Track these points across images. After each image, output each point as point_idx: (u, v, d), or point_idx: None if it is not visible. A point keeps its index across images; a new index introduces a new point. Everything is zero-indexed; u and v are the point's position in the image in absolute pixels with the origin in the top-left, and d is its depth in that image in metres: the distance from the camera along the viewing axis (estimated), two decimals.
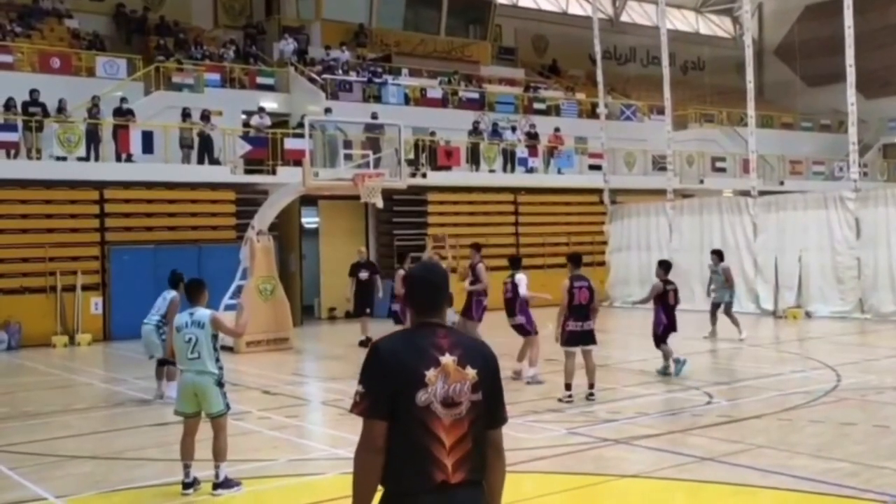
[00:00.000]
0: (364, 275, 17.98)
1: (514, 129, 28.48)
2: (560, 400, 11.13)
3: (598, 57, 27.22)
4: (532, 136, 28.29)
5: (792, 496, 7.14)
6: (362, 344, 16.83)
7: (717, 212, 23.84)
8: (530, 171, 27.49)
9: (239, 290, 17.61)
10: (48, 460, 9.06)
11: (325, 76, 26.70)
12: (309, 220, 25.22)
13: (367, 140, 21.91)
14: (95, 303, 20.22)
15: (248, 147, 22.43)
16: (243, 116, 24.31)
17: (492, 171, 26.67)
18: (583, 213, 27.73)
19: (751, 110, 23.19)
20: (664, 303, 13.22)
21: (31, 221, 19.93)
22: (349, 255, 20.39)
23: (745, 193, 23.79)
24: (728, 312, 17.38)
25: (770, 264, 21.91)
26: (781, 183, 31.90)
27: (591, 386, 11.34)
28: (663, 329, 13.19)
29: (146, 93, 23.77)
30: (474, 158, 26.51)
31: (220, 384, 7.61)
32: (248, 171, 22.60)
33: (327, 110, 23.87)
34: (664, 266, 13.58)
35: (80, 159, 20.25)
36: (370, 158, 18.01)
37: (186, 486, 7.53)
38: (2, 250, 19.49)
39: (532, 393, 11.83)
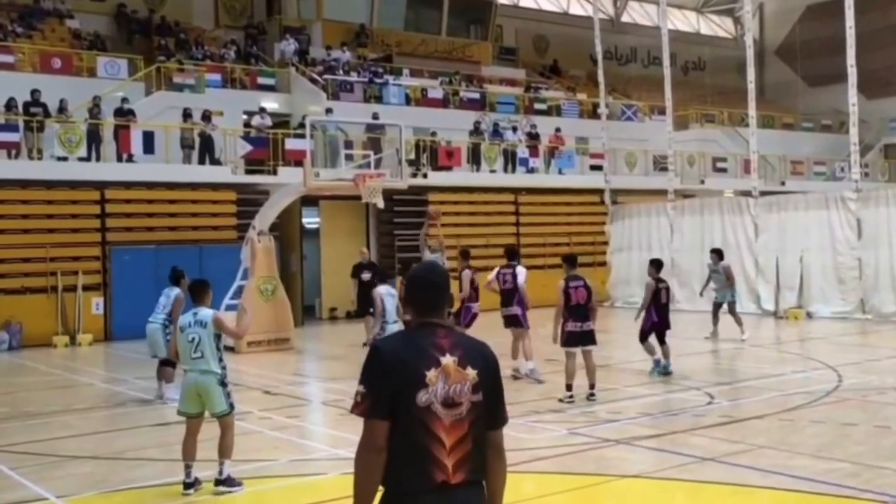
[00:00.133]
0: (366, 276, 17.99)
1: (515, 129, 28.49)
2: (561, 400, 11.13)
3: (599, 57, 27.21)
4: (533, 137, 28.29)
5: (792, 496, 7.14)
6: (366, 345, 16.84)
7: (719, 212, 23.82)
8: (531, 171, 27.49)
9: (240, 290, 17.62)
10: (49, 460, 9.06)
11: (326, 76, 26.71)
12: (310, 220, 25.23)
13: (368, 140, 21.95)
14: (96, 303, 20.23)
15: (248, 147, 22.43)
16: (244, 117, 24.32)
17: (493, 171, 26.67)
18: (584, 214, 27.73)
19: (752, 110, 23.18)
20: (656, 301, 13.28)
21: (33, 222, 19.95)
22: (350, 255, 20.41)
23: (747, 194, 23.78)
24: (732, 311, 17.35)
25: (771, 265, 21.89)
26: (782, 183, 31.89)
27: (592, 386, 11.34)
28: (650, 326, 13.26)
29: (147, 93, 23.78)
30: (475, 159, 26.52)
31: (223, 384, 7.63)
32: (248, 172, 22.60)
33: (328, 111, 23.89)
34: (656, 264, 13.66)
35: (81, 159, 20.26)
36: (371, 159, 18.02)
37: (187, 486, 7.53)
38: (3, 250, 19.50)
39: (533, 393, 11.83)
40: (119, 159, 21.02)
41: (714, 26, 47.15)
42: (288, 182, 19.85)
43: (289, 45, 27.86)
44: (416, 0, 33.08)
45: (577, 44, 36.66)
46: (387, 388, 3.25)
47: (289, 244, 23.17)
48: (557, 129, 28.90)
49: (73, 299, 19.77)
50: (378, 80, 27.75)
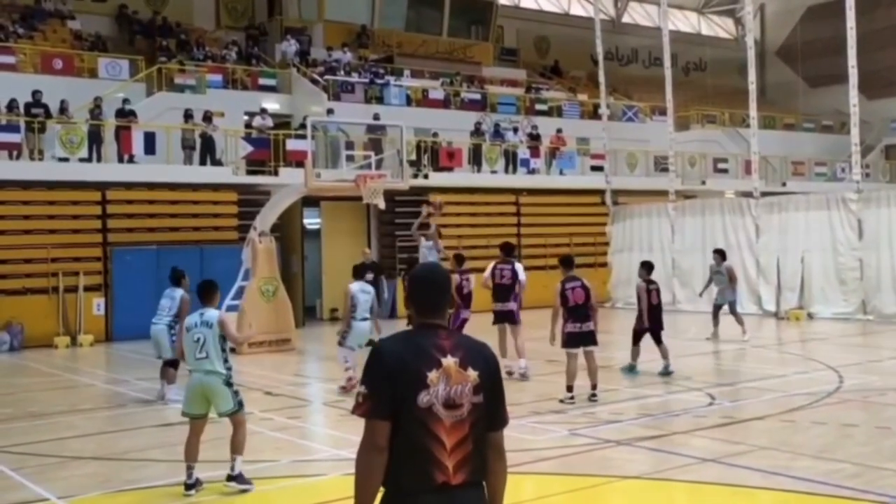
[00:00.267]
0: (369, 276, 17.98)
1: (515, 130, 28.49)
2: (562, 401, 11.13)
3: (600, 58, 27.22)
4: (534, 138, 28.28)
5: (793, 497, 7.14)
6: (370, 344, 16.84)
7: (720, 213, 23.82)
8: (532, 172, 27.49)
9: (241, 291, 17.63)
10: (52, 461, 9.07)
11: (327, 77, 26.71)
12: (311, 221, 25.23)
13: (369, 141, 21.99)
14: (97, 304, 20.24)
15: (250, 148, 22.44)
16: (245, 117, 24.32)
17: (494, 172, 26.67)
18: (585, 215, 27.72)
19: (753, 111, 23.17)
20: (647, 302, 13.35)
21: (34, 222, 19.96)
22: (351, 256, 20.39)
23: (748, 194, 23.77)
24: (733, 312, 17.35)
25: (772, 265, 21.89)
26: (783, 184, 31.87)
27: (594, 387, 11.34)
28: (642, 327, 13.40)
29: (148, 94, 23.80)
30: (476, 159, 26.52)
31: (228, 384, 7.66)
32: (250, 172, 22.61)
33: (329, 111, 23.90)
34: (646, 267, 13.75)
35: (82, 160, 20.26)
36: (372, 159, 18.02)
37: (189, 486, 7.54)
38: (4, 251, 19.51)
39: (534, 394, 11.84)
40: (120, 160, 21.03)
41: (715, 27, 47.15)
42: (289, 183, 19.86)
43: (290, 46, 27.87)
44: (417, 1, 33.09)
45: (577, 44, 36.66)
46: (388, 389, 3.26)
47: (290, 245, 23.18)
48: (558, 130, 28.90)
49: (74, 300, 19.78)
50: (379, 81, 27.76)
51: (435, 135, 25.88)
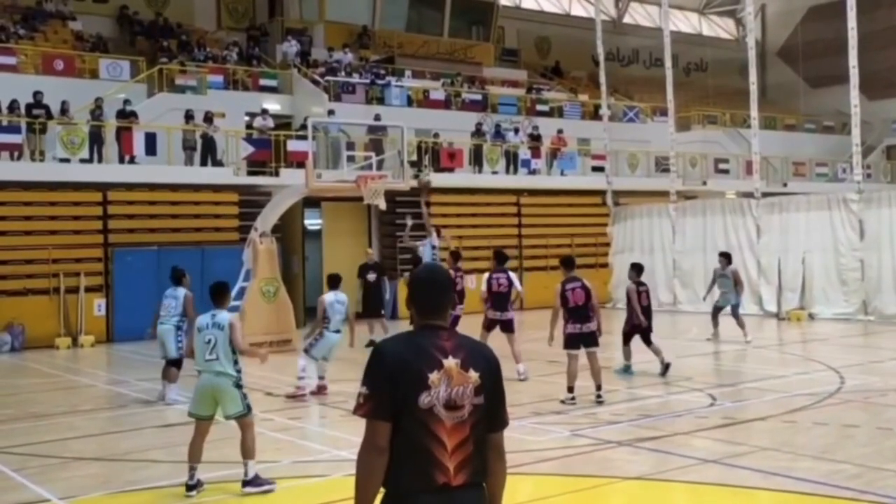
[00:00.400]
0: (372, 276, 18.06)
1: (516, 130, 28.49)
2: (563, 402, 11.14)
3: (601, 58, 27.21)
4: (535, 138, 28.28)
5: (793, 498, 7.13)
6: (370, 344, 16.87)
7: (721, 213, 23.82)
8: (533, 172, 27.49)
9: (242, 291, 17.63)
10: (53, 462, 9.08)
11: (328, 78, 26.72)
12: (312, 221, 25.25)
13: (370, 142, 22.01)
14: (99, 304, 20.25)
15: (251, 149, 22.45)
16: (246, 118, 24.34)
17: (494, 172, 26.67)
18: (586, 215, 27.72)
19: (754, 112, 23.17)
20: (638, 304, 13.41)
21: (35, 223, 19.97)
22: (352, 256, 20.43)
23: (749, 195, 23.76)
24: (736, 315, 17.30)
25: (773, 266, 21.87)
26: (784, 184, 31.87)
27: (599, 388, 11.31)
28: (632, 328, 13.48)
29: (149, 95, 23.81)
30: (477, 160, 26.52)
31: (238, 386, 7.66)
32: (251, 173, 22.62)
33: (330, 112, 23.91)
34: (636, 268, 13.80)
35: (83, 161, 20.27)
36: (373, 160, 18.04)
37: (190, 487, 7.54)
38: (5, 252, 19.52)
39: (535, 395, 11.84)
40: (121, 161, 21.05)
41: (716, 27, 47.15)
42: (290, 183, 19.87)
43: (291, 47, 27.88)
44: (418, 1, 33.11)
45: (578, 45, 36.67)
46: (389, 390, 3.26)
47: (291, 246, 23.19)
48: (559, 131, 28.90)
49: (75, 301, 19.79)
50: (380, 82, 27.77)
51: (436, 135, 25.89)
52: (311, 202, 23.03)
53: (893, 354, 15.52)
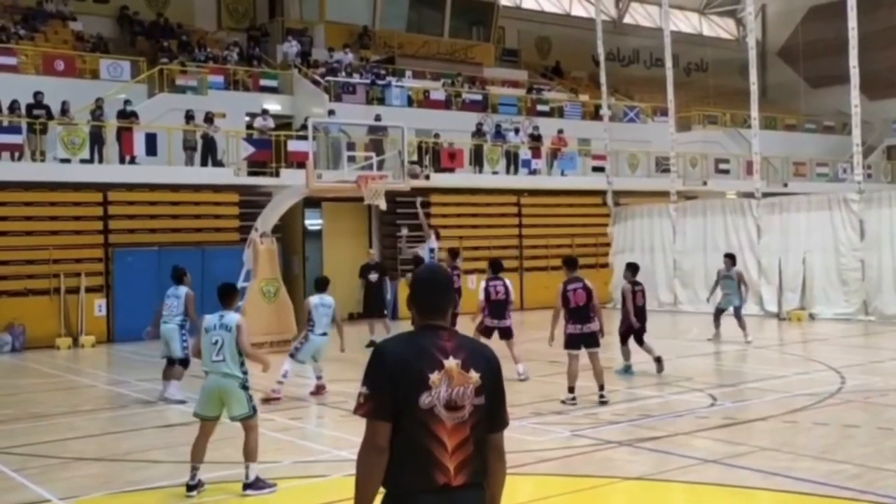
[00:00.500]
0: (374, 276, 18.08)
1: (517, 130, 28.49)
2: (563, 402, 11.14)
3: (602, 59, 27.21)
4: (535, 138, 28.28)
5: (794, 498, 7.13)
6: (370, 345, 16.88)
7: (721, 213, 23.82)
8: (533, 172, 27.49)
9: (242, 292, 17.62)
10: (53, 462, 9.08)
11: (328, 78, 26.73)
12: (312, 222, 25.25)
13: (371, 142, 22.00)
14: (99, 305, 20.25)
15: (251, 149, 22.46)
16: (247, 118, 24.34)
17: (495, 172, 26.68)
18: (586, 215, 27.73)
19: (754, 112, 23.17)
20: (633, 304, 13.43)
21: (35, 223, 19.98)
22: (353, 256, 20.45)
23: (749, 195, 23.77)
24: (738, 316, 17.26)
25: (774, 266, 21.87)
26: (785, 185, 31.86)
27: (601, 388, 11.28)
28: (627, 328, 13.51)
29: (150, 95, 23.82)
30: (477, 160, 26.53)
31: (244, 387, 7.66)
32: (251, 174, 22.63)
33: (331, 112, 23.91)
34: (631, 268, 13.83)
35: (83, 161, 20.28)
36: (373, 160, 18.05)
37: (190, 487, 7.54)
38: (6, 252, 19.53)
39: (535, 395, 11.84)
40: (122, 161, 21.05)
41: (716, 27, 47.14)
42: (290, 184, 19.88)
43: (291, 47, 27.89)
44: (418, 2, 33.11)
45: (579, 45, 36.67)
46: (390, 390, 3.26)
47: (291, 246, 23.20)
48: (560, 131, 28.90)
49: (75, 301, 19.79)
50: (380, 82, 27.78)
51: (436, 136, 25.90)
52: (312, 202, 23.04)
53: (894, 354, 15.52)
